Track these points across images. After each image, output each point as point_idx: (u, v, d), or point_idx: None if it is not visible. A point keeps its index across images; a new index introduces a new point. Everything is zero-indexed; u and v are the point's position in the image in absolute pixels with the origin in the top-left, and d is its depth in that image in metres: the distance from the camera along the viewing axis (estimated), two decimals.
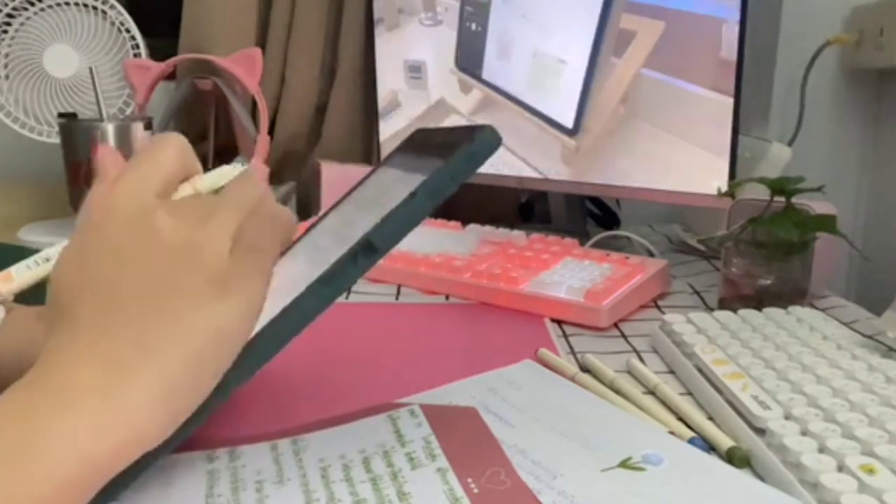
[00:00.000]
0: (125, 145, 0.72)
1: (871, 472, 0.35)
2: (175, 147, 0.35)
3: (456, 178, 0.34)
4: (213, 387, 0.33)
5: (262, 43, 1.05)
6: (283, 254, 0.47)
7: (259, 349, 0.34)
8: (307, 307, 0.34)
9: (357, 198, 0.45)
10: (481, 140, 0.34)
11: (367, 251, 0.34)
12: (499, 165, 0.92)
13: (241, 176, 0.37)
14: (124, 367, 0.31)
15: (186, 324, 0.32)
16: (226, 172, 0.39)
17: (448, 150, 0.35)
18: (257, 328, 0.34)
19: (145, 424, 0.30)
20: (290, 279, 0.37)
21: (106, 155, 0.35)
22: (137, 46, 0.92)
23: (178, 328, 0.31)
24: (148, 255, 0.32)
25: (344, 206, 0.46)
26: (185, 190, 0.37)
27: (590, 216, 1.03)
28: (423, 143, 0.43)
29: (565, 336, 0.60)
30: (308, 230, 0.48)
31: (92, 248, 0.33)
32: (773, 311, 0.58)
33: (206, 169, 0.38)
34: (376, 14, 1.00)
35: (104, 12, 0.91)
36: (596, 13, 0.79)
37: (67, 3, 0.91)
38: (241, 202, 0.35)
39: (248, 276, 0.33)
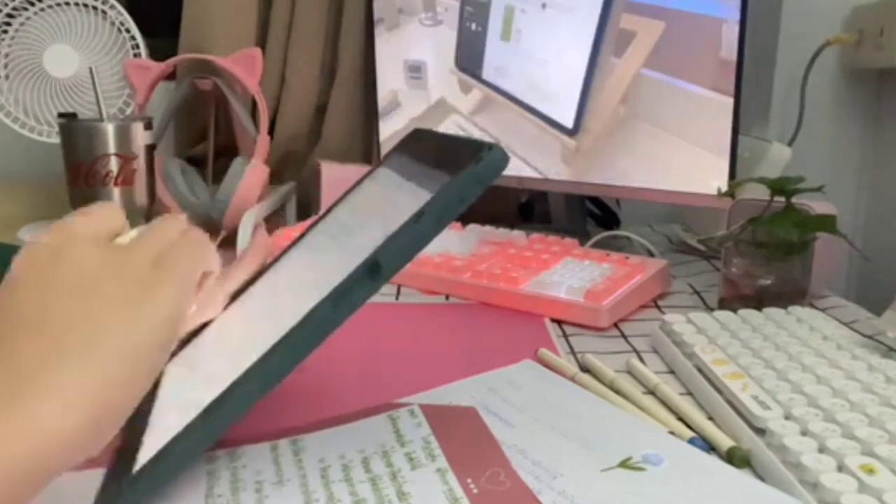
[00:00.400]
0: (125, 145, 0.72)
1: (871, 472, 0.35)
2: (111, 208, 0.38)
3: (463, 201, 0.34)
4: (136, 394, 0.32)
5: (262, 43, 1.05)
6: (280, 256, 0.47)
7: (277, 362, 0.34)
8: (311, 331, 0.34)
9: (359, 204, 0.45)
10: (489, 162, 0.34)
11: (373, 274, 0.34)
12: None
13: (161, 217, 0.39)
14: (31, 371, 0.30)
15: (102, 327, 0.32)
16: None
17: (452, 166, 0.35)
18: (270, 339, 0.34)
19: (59, 425, 0.30)
20: (293, 285, 0.37)
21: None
22: (137, 46, 0.92)
23: (93, 332, 0.32)
24: (70, 271, 0.33)
25: (344, 211, 0.46)
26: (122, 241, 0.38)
27: (590, 216, 1.03)
28: (423, 146, 0.43)
29: (565, 336, 0.60)
30: (308, 229, 0.48)
31: (21, 273, 0.34)
32: (773, 311, 0.58)
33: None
34: (376, 14, 1.00)
35: (104, 12, 0.91)
36: (596, 13, 0.79)
37: (67, 3, 0.90)
38: (161, 233, 0.37)
39: (164, 287, 0.34)
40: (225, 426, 0.34)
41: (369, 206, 0.43)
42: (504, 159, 0.34)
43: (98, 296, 0.33)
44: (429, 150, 0.41)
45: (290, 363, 0.34)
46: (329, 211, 0.48)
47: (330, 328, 0.34)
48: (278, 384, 0.34)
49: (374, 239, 0.35)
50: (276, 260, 0.47)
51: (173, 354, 0.43)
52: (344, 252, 0.37)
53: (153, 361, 0.33)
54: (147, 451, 0.34)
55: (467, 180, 0.34)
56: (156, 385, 0.40)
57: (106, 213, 0.37)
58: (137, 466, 0.33)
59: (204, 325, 0.44)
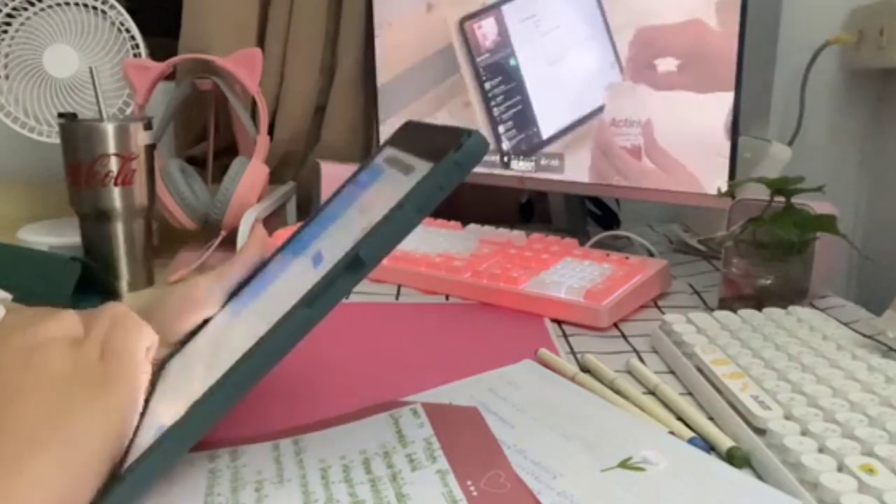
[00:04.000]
0: (125, 145, 0.72)
1: (871, 472, 0.35)
2: (70, 315, 0.39)
3: (443, 188, 0.34)
4: (95, 476, 0.33)
5: (261, 43, 1.05)
6: (282, 248, 0.47)
7: (256, 361, 0.34)
8: (294, 327, 0.34)
9: (350, 198, 0.45)
10: (468, 148, 0.34)
11: (355, 266, 0.34)
12: (499, 165, 0.92)
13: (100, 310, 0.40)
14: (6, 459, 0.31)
15: (63, 420, 0.33)
16: None
17: (434, 154, 0.35)
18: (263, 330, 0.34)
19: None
20: (288, 281, 0.37)
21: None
22: (137, 46, 0.92)
23: (54, 424, 0.33)
24: (34, 371, 0.35)
25: (337, 205, 0.46)
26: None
27: (590, 216, 1.03)
28: (411, 138, 0.43)
29: (565, 336, 0.60)
30: (304, 225, 0.48)
31: None
32: (773, 311, 0.58)
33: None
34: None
35: (104, 12, 0.91)
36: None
37: (67, 3, 0.90)
38: (101, 324, 0.38)
39: (115, 379, 0.35)
40: (206, 427, 0.34)
41: (359, 200, 0.43)
42: (483, 146, 0.34)
43: (61, 396, 0.34)
44: (416, 140, 0.41)
45: (271, 361, 0.34)
46: (325, 205, 0.48)
47: (311, 324, 0.34)
48: (260, 381, 0.34)
49: (360, 232, 0.35)
50: (274, 255, 0.47)
51: (175, 353, 0.43)
52: (337, 247, 0.37)
53: (106, 448, 0.34)
54: (137, 449, 0.34)
55: (446, 168, 0.34)
56: (154, 383, 0.40)
57: (67, 319, 0.38)
58: (127, 464, 0.33)
59: (205, 322, 0.44)
